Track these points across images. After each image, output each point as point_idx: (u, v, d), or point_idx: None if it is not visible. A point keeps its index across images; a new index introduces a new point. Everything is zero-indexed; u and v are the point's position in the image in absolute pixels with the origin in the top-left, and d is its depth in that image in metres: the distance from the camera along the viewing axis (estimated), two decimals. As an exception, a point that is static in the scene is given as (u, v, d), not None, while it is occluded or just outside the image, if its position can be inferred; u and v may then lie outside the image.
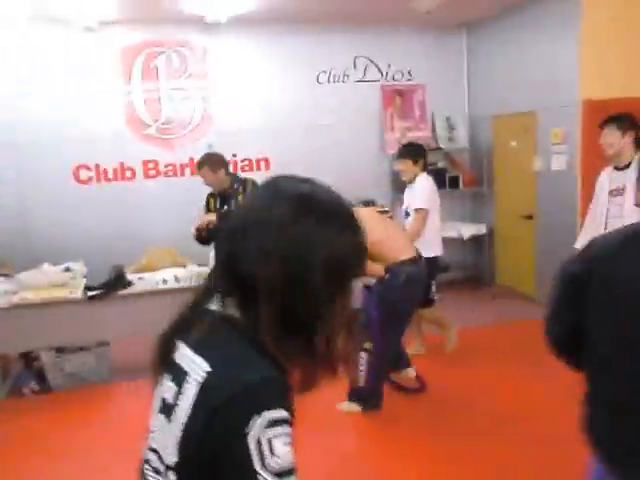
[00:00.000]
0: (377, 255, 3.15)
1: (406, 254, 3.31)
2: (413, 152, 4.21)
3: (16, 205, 5.08)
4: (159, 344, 0.92)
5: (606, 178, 3.50)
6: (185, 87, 5.46)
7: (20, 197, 5.09)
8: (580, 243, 3.65)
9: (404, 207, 4.29)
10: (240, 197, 3.84)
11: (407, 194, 4.27)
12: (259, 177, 5.63)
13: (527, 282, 5.53)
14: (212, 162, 3.92)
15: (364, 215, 3.16)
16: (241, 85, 5.62)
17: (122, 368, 4.24)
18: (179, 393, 0.82)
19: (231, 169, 5.55)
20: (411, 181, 4.19)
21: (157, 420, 0.88)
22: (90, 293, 4.00)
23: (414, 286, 3.32)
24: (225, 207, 3.95)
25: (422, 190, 4.13)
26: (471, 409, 3.38)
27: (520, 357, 4.03)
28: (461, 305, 5.51)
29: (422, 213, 4.08)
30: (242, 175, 4.34)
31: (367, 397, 3.37)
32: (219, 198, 4.03)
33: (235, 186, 3.93)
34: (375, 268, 3.20)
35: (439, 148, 6.06)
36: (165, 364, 0.89)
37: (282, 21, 5.50)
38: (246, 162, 5.67)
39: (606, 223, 3.46)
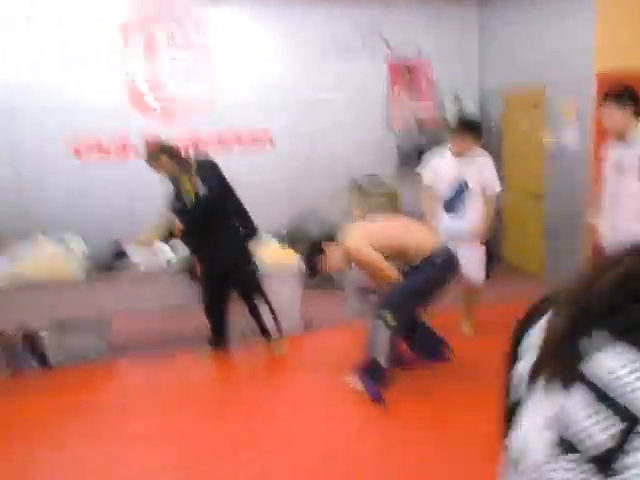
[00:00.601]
0: (406, 255, 3.30)
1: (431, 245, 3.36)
2: (471, 127, 3.95)
3: (12, 181, 5.00)
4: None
5: (612, 151, 3.38)
6: (187, 61, 5.33)
7: (17, 173, 5.02)
8: (593, 217, 3.54)
9: (456, 177, 3.93)
10: (187, 183, 3.65)
11: (463, 166, 3.93)
12: (264, 153, 5.64)
13: (534, 261, 5.43)
14: (150, 151, 3.72)
15: (379, 228, 3.38)
16: (244, 59, 5.48)
17: (122, 344, 4.22)
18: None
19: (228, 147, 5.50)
20: (460, 154, 3.92)
21: None
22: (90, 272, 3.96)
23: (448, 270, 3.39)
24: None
25: (493, 169, 4.01)
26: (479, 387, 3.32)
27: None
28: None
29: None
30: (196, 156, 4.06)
31: (375, 373, 3.33)
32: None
33: (181, 171, 3.70)
34: (389, 273, 3.28)
35: (446, 125, 5.91)
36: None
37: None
38: (251, 137, 5.56)
39: (613, 198, 3.36)
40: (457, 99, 6.01)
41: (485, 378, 3.38)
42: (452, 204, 3.95)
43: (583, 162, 4.67)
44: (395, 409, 3.14)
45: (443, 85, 5.97)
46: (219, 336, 4.08)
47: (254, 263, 4.01)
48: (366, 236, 3.31)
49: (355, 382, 3.36)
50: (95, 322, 4.18)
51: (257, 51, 5.50)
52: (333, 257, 3.38)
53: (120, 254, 4.09)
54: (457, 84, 5.98)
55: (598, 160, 3.60)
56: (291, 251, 4.65)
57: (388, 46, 5.82)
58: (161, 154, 3.73)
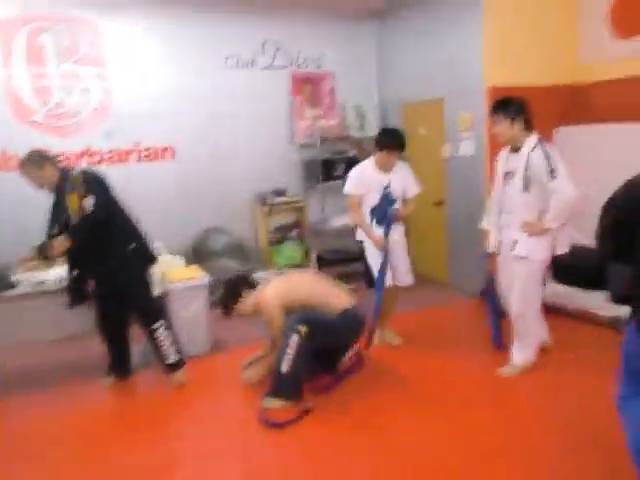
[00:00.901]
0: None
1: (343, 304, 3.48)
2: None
3: None
4: None
5: (502, 160, 3.52)
6: (78, 69, 4.99)
7: None
8: (485, 223, 3.68)
9: (382, 186, 3.92)
10: (72, 200, 3.30)
11: (388, 176, 3.93)
12: (165, 166, 5.39)
13: (441, 268, 5.58)
14: (33, 159, 3.42)
15: (297, 286, 3.58)
16: (142, 69, 5.22)
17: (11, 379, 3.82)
18: None
19: (134, 157, 5.21)
20: (387, 169, 3.93)
21: None
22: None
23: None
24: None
25: (412, 175, 4.10)
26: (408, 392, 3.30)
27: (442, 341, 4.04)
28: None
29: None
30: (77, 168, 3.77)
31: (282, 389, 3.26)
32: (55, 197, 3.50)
33: (65, 183, 3.38)
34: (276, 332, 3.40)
35: (348, 136, 5.98)
36: None
37: (187, 2, 5.19)
38: (150, 151, 5.29)
39: (500, 206, 3.49)
40: (359, 112, 6.09)
41: (417, 387, 3.44)
42: (379, 213, 3.93)
43: (479, 170, 4.87)
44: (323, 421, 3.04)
45: (345, 98, 6.03)
46: (119, 365, 3.79)
47: (150, 284, 3.76)
48: (283, 294, 3.42)
49: (268, 402, 3.25)
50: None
51: (156, 60, 5.26)
52: (245, 303, 3.52)
53: (2, 278, 3.69)
54: (358, 98, 6.07)
55: (492, 168, 3.74)
56: (196, 268, 4.46)
57: (290, 58, 5.80)
58: (45, 162, 3.43)
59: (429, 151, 5.53)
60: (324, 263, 5.79)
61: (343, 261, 5.96)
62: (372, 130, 6.11)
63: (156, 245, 4.25)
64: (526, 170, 3.28)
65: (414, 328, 4.40)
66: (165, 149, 5.36)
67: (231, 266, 5.55)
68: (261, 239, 5.80)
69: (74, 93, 5.00)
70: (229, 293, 3.57)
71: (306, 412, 3.14)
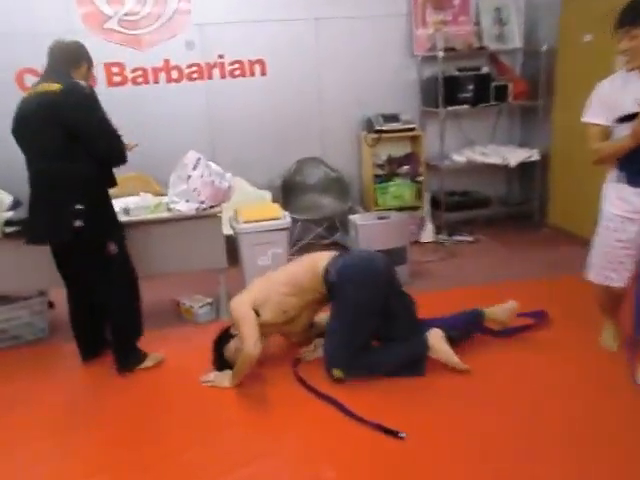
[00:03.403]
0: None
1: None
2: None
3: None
4: None
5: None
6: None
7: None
8: None
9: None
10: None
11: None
12: (253, 84, 4.61)
13: (589, 223, 4.28)
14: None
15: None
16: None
17: (64, 324, 3.41)
18: None
19: (217, 73, 4.48)
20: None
21: None
22: (9, 229, 3.09)
23: None
24: None
25: None
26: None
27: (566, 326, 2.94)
28: (502, 251, 4.36)
29: None
30: None
31: None
32: None
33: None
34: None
35: (483, 48, 4.70)
36: None
37: None
38: (236, 65, 4.50)
39: None
40: (498, 16, 4.77)
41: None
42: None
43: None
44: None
45: (481, -1, 4.73)
46: (80, 344, 3.02)
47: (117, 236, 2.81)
48: (254, 300, 2.63)
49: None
50: (28, 295, 3.41)
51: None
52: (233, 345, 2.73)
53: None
54: (499, -3, 4.74)
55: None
56: (277, 207, 3.69)
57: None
58: (82, 60, 2.73)
59: (593, 69, 4.12)
60: (439, 207, 4.75)
61: (464, 206, 4.88)
62: (514, 41, 4.79)
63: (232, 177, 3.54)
64: None
65: (531, 299, 3.31)
66: (254, 63, 4.53)
67: (326, 204, 4.73)
68: (364, 174, 4.87)
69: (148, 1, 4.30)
70: (216, 350, 2.78)
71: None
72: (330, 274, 2.57)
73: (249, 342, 2.47)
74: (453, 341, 2.62)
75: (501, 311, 2.83)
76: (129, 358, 2.88)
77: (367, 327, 2.57)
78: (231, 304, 2.66)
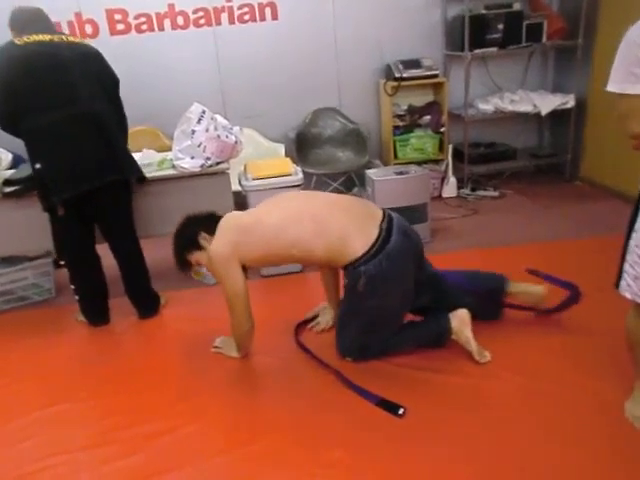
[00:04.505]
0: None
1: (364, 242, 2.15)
2: None
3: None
4: None
5: None
6: None
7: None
8: None
9: None
10: None
11: None
12: (264, 29, 4.32)
13: (628, 177, 3.97)
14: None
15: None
16: None
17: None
18: None
19: (225, 19, 4.20)
20: None
21: None
22: (9, 189, 2.96)
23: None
24: None
25: None
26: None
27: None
28: (530, 207, 4.09)
29: None
30: None
31: None
32: None
33: None
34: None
35: (515, -18, 4.29)
36: None
37: None
38: (245, 9, 4.20)
39: None
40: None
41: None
42: None
43: None
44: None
45: None
46: (93, 308, 2.93)
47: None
48: (239, 240, 2.20)
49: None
50: (33, 256, 3.32)
51: None
52: (201, 254, 2.34)
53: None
54: None
55: None
56: (288, 162, 3.47)
57: None
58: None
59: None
60: (462, 160, 4.47)
61: (489, 158, 4.58)
62: (549, -28, 4.36)
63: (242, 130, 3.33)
64: None
65: (565, 262, 3.07)
66: (265, 6, 4.21)
67: (343, 158, 4.49)
68: (384, 124, 4.59)
69: None
70: (181, 239, 2.38)
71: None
72: (361, 268, 2.13)
73: (241, 319, 2.28)
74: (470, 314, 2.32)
75: (527, 293, 2.46)
76: (156, 301, 3.00)
77: (388, 327, 2.31)
78: (212, 254, 2.21)
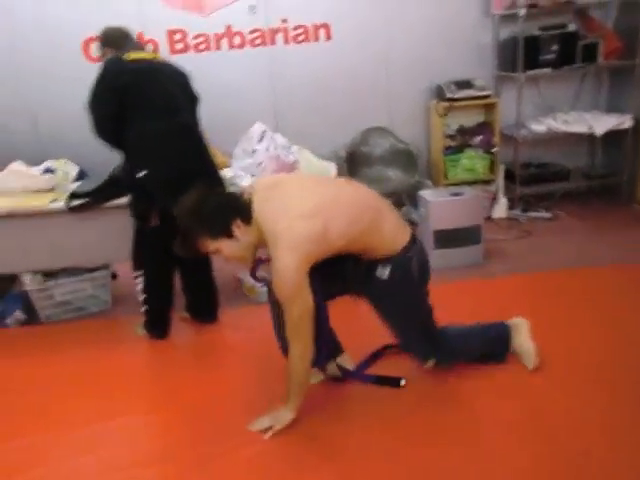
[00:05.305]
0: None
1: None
2: None
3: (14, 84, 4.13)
4: None
5: None
6: None
7: (17, 74, 4.13)
8: None
9: None
10: None
11: None
12: (318, 49, 4.40)
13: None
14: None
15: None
16: None
17: (127, 296, 3.41)
18: None
19: (280, 39, 4.28)
20: None
21: None
22: (74, 202, 3.06)
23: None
24: None
25: None
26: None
27: None
28: (582, 229, 4.02)
29: None
30: None
31: None
32: None
33: None
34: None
35: (570, 2, 4.26)
36: None
37: None
38: (300, 30, 4.28)
39: None
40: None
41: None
42: None
43: None
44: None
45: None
46: (161, 320, 2.96)
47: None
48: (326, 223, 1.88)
49: None
50: (91, 268, 3.41)
51: None
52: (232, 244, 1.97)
53: (115, 182, 3.14)
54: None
55: None
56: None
57: None
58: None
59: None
60: (514, 180, 4.43)
61: (541, 179, 4.53)
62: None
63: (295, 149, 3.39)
64: None
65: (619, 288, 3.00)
66: (319, 27, 4.29)
67: (392, 177, 4.50)
68: (434, 145, 4.59)
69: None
70: (207, 222, 1.94)
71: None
72: (410, 254, 2.03)
73: (307, 348, 1.94)
74: None
75: (526, 356, 2.28)
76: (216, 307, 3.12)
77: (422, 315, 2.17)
78: (286, 262, 1.81)
